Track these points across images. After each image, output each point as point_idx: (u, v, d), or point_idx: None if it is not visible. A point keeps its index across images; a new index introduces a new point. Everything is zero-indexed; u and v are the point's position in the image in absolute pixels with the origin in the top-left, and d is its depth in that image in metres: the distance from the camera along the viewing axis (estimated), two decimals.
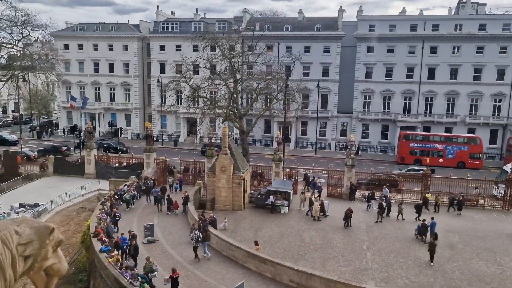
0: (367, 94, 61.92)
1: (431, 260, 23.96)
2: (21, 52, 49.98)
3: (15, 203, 34.96)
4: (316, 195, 34.06)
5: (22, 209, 33.91)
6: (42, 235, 2.13)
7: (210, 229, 25.65)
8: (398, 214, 30.90)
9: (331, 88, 62.77)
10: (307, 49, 62.19)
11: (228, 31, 57.21)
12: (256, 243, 24.22)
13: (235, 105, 44.46)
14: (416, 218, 30.19)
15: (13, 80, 53.08)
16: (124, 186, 33.73)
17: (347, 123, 63.80)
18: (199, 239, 23.42)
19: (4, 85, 55.27)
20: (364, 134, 62.59)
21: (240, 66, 46.75)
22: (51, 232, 2.18)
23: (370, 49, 60.70)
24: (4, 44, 48.37)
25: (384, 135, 62.27)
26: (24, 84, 63.71)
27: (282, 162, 38.45)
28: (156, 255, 23.39)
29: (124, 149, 55.75)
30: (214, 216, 27.65)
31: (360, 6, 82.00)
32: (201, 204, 32.97)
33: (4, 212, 32.93)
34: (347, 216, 29.35)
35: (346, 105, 62.57)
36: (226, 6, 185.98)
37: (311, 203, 31.20)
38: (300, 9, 68.21)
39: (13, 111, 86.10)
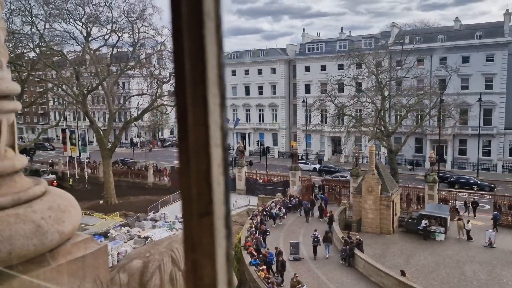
0: None
1: None
2: None
3: (179, 213, 39.47)
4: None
5: None
6: None
7: (356, 251, 24.70)
8: None
9: (496, 102, 55.27)
10: (465, 59, 56.17)
11: (375, 47, 55.54)
12: (403, 273, 22.18)
13: (382, 123, 42.56)
14: None
15: None
16: (272, 203, 35.02)
17: None
18: (316, 239, 25.88)
19: (172, 109, 63.85)
20: None
21: (388, 82, 44.75)
22: None
23: None
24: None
25: None
26: None
27: (437, 184, 35.09)
28: (302, 273, 23.39)
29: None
30: (361, 239, 26.56)
31: None
32: (347, 224, 32.04)
33: (170, 221, 37.40)
34: None
35: None
36: (371, 22, 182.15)
37: None
38: (456, 17, 62.11)
39: None
